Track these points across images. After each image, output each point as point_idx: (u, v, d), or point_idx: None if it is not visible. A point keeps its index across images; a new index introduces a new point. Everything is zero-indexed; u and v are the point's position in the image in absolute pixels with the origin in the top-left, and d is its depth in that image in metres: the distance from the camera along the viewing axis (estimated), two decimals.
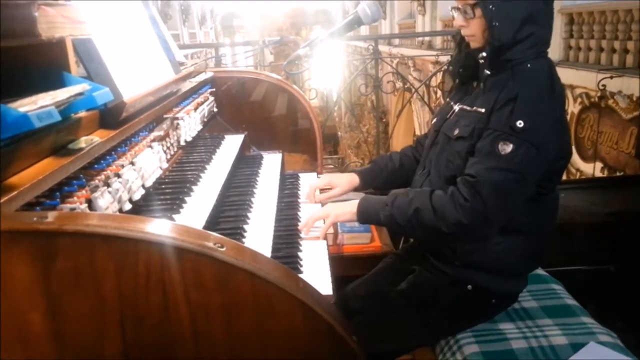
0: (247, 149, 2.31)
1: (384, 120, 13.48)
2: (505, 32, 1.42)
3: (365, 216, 1.57)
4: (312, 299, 0.87)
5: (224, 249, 0.81)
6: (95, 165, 1.16)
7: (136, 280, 0.79)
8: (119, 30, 1.58)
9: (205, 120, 2.17)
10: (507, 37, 1.43)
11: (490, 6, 1.41)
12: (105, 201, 1.14)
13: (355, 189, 1.87)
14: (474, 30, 1.49)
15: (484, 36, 1.47)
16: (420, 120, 11.36)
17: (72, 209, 0.98)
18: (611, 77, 5.92)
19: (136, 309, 0.81)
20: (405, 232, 1.57)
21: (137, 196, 1.31)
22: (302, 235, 1.58)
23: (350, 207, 1.58)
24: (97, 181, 1.13)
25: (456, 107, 1.60)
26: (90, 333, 0.81)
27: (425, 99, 5.08)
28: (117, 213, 1.18)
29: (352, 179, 1.86)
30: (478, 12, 1.44)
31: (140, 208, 1.31)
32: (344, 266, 2.43)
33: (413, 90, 4.10)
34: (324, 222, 1.60)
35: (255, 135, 2.44)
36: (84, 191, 1.05)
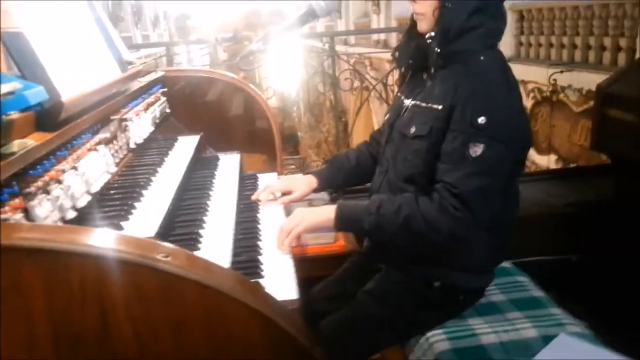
0: (203, 150, 2.21)
1: (343, 119, 13.48)
2: (456, 16, 1.38)
3: (345, 223, 1.48)
4: (269, 308, 0.79)
5: (169, 259, 0.72)
6: (31, 171, 1.06)
7: (70, 297, 0.70)
8: (57, 28, 1.46)
9: (157, 121, 2.07)
10: (458, 21, 1.39)
11: None
12: (44, 210, 1.04)
13: (314, 191, 1.81)
14: (425, 9, 1.44)
15: (434, 15, 1.43)
16: (378, 119, 11.42)
17: (4, 220, 0.88)
18: (561, 72, 6.09)
19: (71, 328, 0.72)
20: (390, 241, 1.47)
21: (81, 203, 1.21)
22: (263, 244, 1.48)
23: (326, 213, 1.48)
24: (33, 188, 1.03)
25: (408, 102, 1.56)
26: (21, 356, 0.71)
27: (384, 96, 5.08)
28: (59, 222, 1.08)
29: (310, 180, 1.79)
30: None
31: (86, 216, 1.21)
32: (309, 267, 2.36)
33: (370, 88, 4.09)
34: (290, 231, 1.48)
35: (212, 136, 2.35)
36: (17, 200, 0.95)
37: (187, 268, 0.74)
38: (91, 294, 0.71)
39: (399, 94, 1.68)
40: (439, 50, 1.42)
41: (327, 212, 1.49)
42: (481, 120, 1.34)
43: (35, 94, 1.07)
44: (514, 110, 1.41)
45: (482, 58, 1.42)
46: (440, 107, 1.42)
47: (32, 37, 1.23)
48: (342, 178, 1.82)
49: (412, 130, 1.49)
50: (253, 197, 1.76)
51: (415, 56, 1.55)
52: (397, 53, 1.64)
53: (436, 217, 1.36)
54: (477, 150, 1.35)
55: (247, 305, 0.76)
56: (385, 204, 1.43)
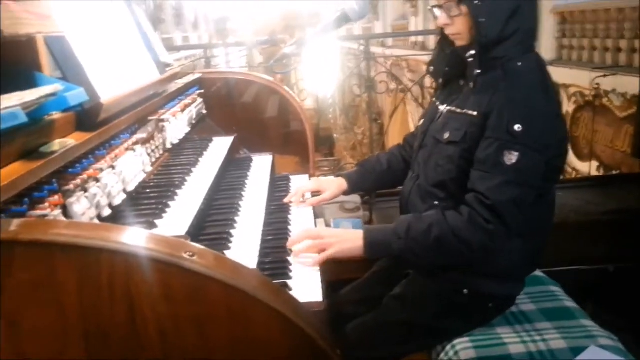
0: (236, 151, 2.25)
1: (379, 121, 13.42)
2: (492, 28, 1.37)
3: (374, 249, 1.44)
4: (291, 310, 0.80)
5: (195, 258, 0.75)
6: (70, 170, 1.10)
7: (100, 293, 0.73)
8: (98, 30, 1.52)
9: (194, 122, 2.12)
10: (495, 33, 1.38)
11: (476, 1, 1.36)
12: (81, 207, 1.09)
13: (344, 193, 1.82)
14: (459, 29, 1.44)
15: (470, 34, 1.42)
16: (415, 122, 11.34)
17: (43, 216, 0.93)
18: (605, 76, 5.90)
19: (101, 324, 0.75)
20: (423, 261, 1.46)
21: (117, 201, 1.25)
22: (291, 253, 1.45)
23: (353, 241, 1.44)
24: (72, 186, 1.07)
25: (443, 109, 1.55)
26: (52, 350, 0.75)
27: (420, 99, 5.04)
28: (95, 219, 1.12)
29: (341, 183, 1.81)
30: (464, 9, 1.40)
31: (121, 213, 1.25)
32: (338, 270, 2.36)
33: (406, 90, 4.06)
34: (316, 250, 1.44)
35: (246, 137, 2.39)
36: (56, 197, 0.99)
37: (213, 268, 0.76)
38: (120, 290, 0.74)
39: (434, 99, 1.68)
40: (479, 72, 1.41)
41: (355, 239, 1.44)
42: (517, 127, 1.33)
43: (76, 96, 1.11)
44: (551, 117, 1.39)
45: (519, 64, 1.40)
46: (475, 113, 1.42)
47: (73, 40, 1.29)
48: (373, 181, 1.83)
49: (446, 135, 1.48)
50: (285, 200, 1.78)
51: (452, 63, 1.55)
52: (431, 68, 1.64)
53: (467, 232, 1.35)
54: (512, 158, 1.33)
55: (269, 306, 0.78)
56: (414, 226, 1.41)
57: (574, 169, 6.53)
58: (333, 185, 1.80)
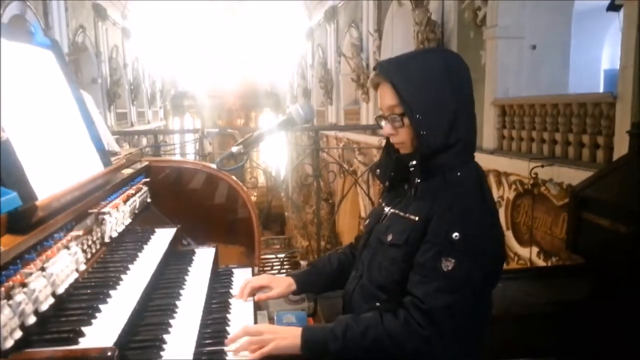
0: (179, 242, 2.22)
1: (330, 201, 13.62)
2: (434, 139, 1.45)
3: (310, 346, 1.44)
4: None
5: None
6: None
7: None
8: (41, 126, 1.51)
9: (137, 212, 2.09)
10: (437, 144, 1.45)
11: (417, 115, 1.44)
12: (4, 317, 1.04)
13: (293, 293, 1.81)
14: (403, 139, 1.51)
15: (412, 144, 1.50)
16: (365, 203, 11.56)
17: None
18: (542, 166, 6.26)
19: None
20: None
21: (44, 307, 1.19)
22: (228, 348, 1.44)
23: (291, 338, 1.44)
24: None
25: (388, 211, 1.60)
26: None
27: (371, 182, 5.18)
28: (17, 330, 1.07)
29: (290, 282, 1.80)
30: (406, 120, 1.47)
31: (47, 320, 1.20)
32: None
33: (356, 176, 4.19)
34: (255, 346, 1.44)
35: (192, 226, 2.37)
36: None
37: None
38: None
39: (380, 200, 1.73)
40: (419, 181, 1.48)
41: (295, 338, 1.44)
42: (455, 235, 1.38)
43: (7, 202, 1.09)
44: (488, 226, 1.45)
45: (459, 173, 1.47)
46: (417, 218, 1.47)
47: (16, 141, 1.26)
48: (322, 282, 1.82)
49: (389, 238, 1.52)
50: (237, 297, 1.76)
51: (397, 169, 1.61)
52: (378, 170, 1.70)
53: (402, 336, 1.37)
54: (448, 265, 1.38)
55: None
56: (351, 327, 1.42)
57: (515, 254, 6.73)
58: (283, 283, 1.79)
